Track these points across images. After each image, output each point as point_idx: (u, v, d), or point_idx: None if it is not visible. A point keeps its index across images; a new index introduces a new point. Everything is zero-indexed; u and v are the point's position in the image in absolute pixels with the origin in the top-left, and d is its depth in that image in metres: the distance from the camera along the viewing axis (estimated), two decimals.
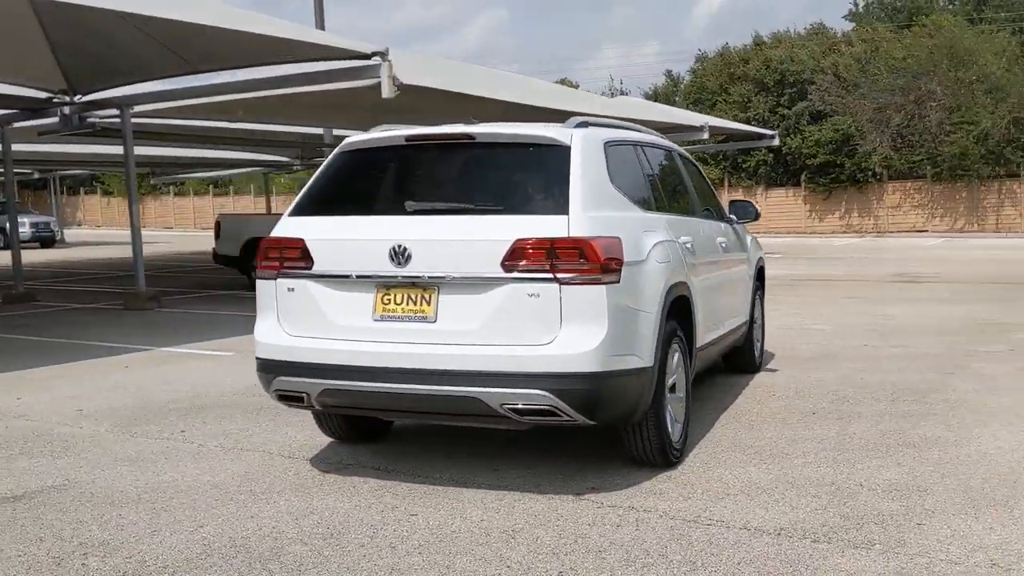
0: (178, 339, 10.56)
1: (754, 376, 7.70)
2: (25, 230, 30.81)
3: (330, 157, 5.26)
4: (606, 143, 5.06)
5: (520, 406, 4.40)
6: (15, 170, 24.85)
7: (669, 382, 5.05)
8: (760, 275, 8.22)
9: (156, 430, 6.26)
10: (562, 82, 44.57)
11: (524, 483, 4.86)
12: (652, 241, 4.95)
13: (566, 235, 4.42)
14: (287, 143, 23.34)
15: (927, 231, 35.98)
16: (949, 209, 35.99)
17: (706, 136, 21.33)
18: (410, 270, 4.61)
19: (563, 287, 4.38)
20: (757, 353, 7.96)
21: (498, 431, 5.68)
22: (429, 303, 4.60)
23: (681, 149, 7.03)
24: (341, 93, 13.31)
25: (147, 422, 6.51)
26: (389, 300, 4.68)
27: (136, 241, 13.98)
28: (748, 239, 7.90)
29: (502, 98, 14.17)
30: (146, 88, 13.44)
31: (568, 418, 4.43)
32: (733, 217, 7.33)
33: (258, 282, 5.10)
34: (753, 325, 7.80)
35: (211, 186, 51.18)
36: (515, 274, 4.44)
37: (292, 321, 4.90)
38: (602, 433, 5.51)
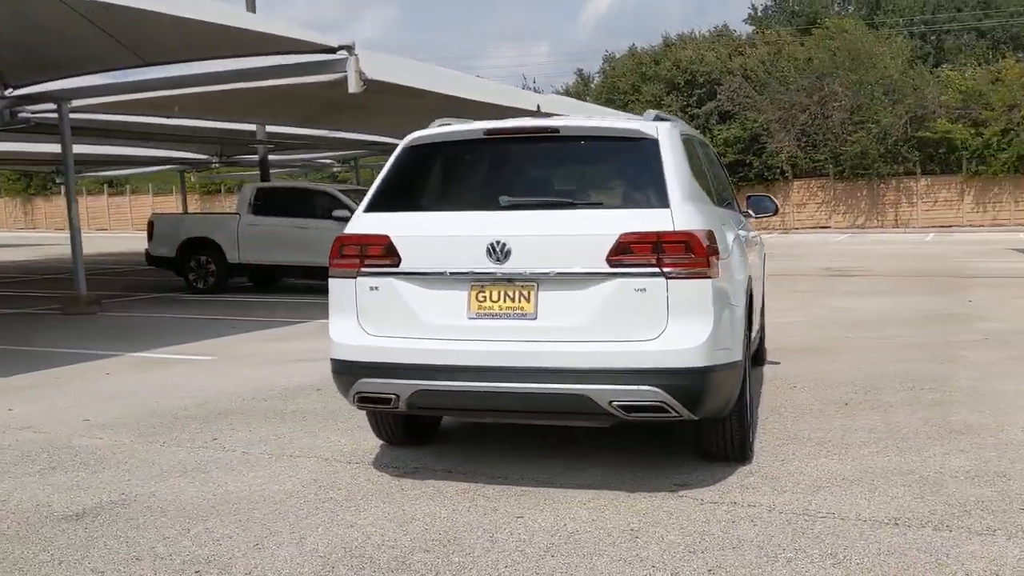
0: (142, 344, 10.08)
1: (761, 369, 7.82)
2: None
3: (398, 152, 5.08)
4: (682, 136, 5.05)
5: (629, 403, 4.34)
6: None
7: None
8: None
9: (185, 439, 5.95)
10: None
11: (607, 481, 4.80)
12: (731, 235, 4.97)
13: (672, 228, 4.39)
14: (207, 139, 22.58)
15: (830, 227, 37.31)
16: (851, 206, 37.41)
17: None
18: (509, 267, 4.49)
19: (670, 281, 4.34)
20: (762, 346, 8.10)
21: (538, 428, 5.63)
22: (528, 300, 4.49)
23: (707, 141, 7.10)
24: (297, 88, 13.00)
25: (168, 430, 6.19)
26: (484, 297, 4.55)
27: (76, 241, 13.30)
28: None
29: (464, 96, 14.04)
30: (88, 82, 12.76)
31: (675, 414, 4.39)
32: (750, 212, 7.43)
33: (332, 281, 4.89)
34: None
35: (105, 185, 49.23)
36: (621, 269, 4.38)
37: (375, 321, 4.72)
38: (652, 430, 5.52)
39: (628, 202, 4.64)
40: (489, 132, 4.98)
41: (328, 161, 29.84)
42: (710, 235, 4.49)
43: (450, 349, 4.54)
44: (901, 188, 36.72)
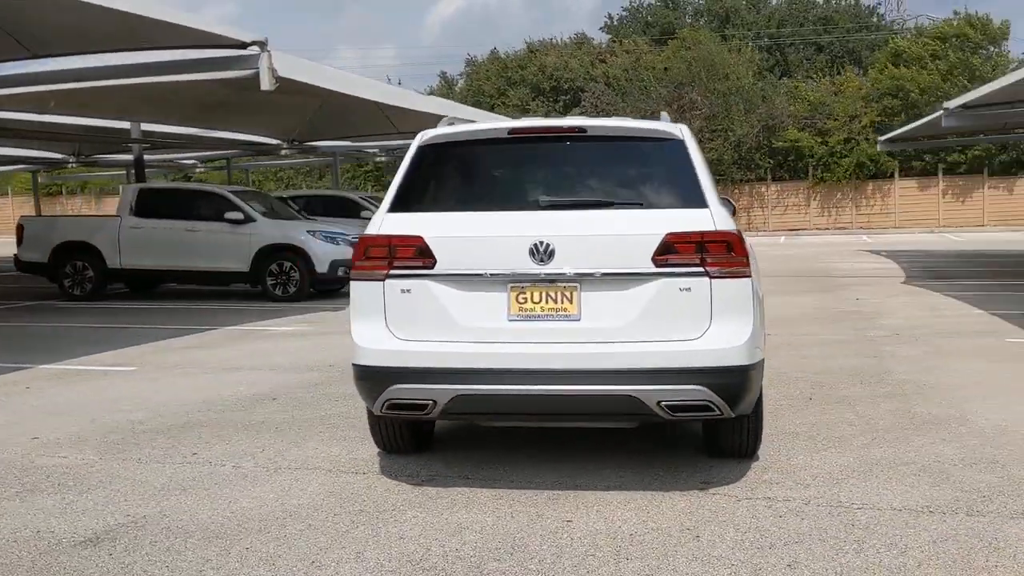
0: (48, 355, 9.39)
1: None
2: None
3: (414, 151, 4.93)
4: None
5: (677, 403, 4.38)
6: None
7: None
8: None
9: (159, 454, 5.60)
10: None
11: (631, 481, 4.82)
12: (745, 235, 5.08)
13: (713, 228, 4.45)
14: (63, 137, 21.19)
15: None
16: None
17: None
18: (553, 267, 4.44)
19: (713, 280, 4.40)
20: None
21: (532, 431, 5.61)
22: (571, 301, 4.46)
23: None
24: (179, 85, 12.41)
25: (135, 446, 5.80)
26: (525, 299, 4.49)
27: None
28: None
29: (370, 97, 13.77)
30: None
31: (717, 412, 4.45)
32: None
33: (356, 284, 4.71)
34: None
35: None
36: (666, 268, 4.40)
37: (406, 325, 4.58)
38: (648, 427, 5.58)
39: (666, 202, 4.67)
40: (514, 131, 4.92)
41: (190, 162, 28.66)
42: (743, 235, 4.59)
43: (490, 352, 4.45)
44: (754, 193, 38.53)
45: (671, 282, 4.40)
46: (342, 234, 15.40)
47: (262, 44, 10.92)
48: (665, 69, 38.49)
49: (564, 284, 4.47)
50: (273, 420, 6.43)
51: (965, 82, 33.89)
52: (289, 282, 14.79)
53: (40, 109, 15.31)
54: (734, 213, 7.77)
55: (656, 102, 37.86)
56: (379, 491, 4.79)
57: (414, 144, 5.04)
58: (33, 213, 26.12)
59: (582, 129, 4.88)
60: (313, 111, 19.78)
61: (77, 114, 16.95)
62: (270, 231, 15.01)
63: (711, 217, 4.51)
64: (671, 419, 4.52)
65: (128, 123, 17.94)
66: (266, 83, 11.02)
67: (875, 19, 46.13)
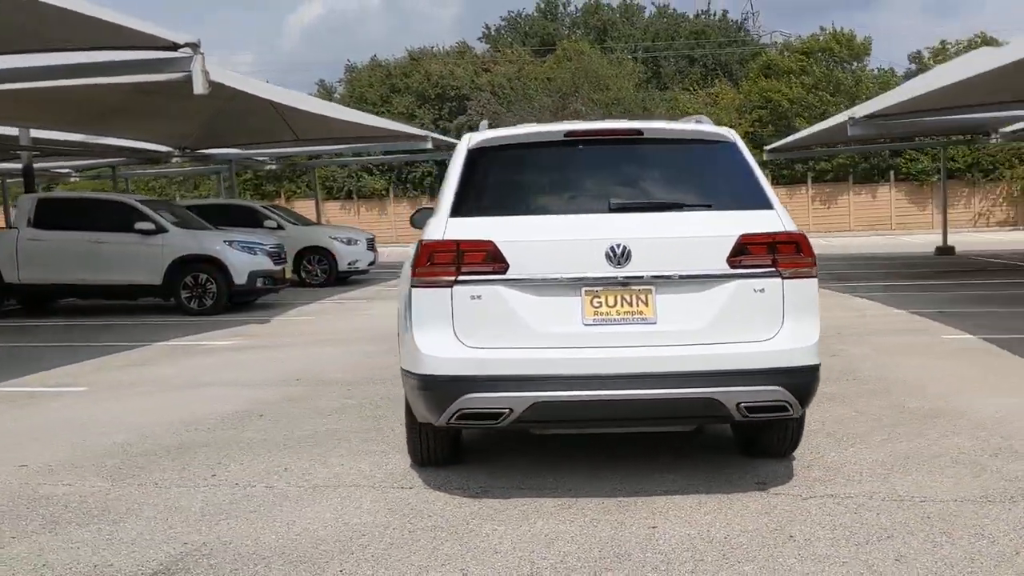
0: None
1: None
2: None
3: (467, 154, 4.81)
4: None
5: (755, 404, 4.41)
6: None
7: None
8: None
9: (174, 478, 5.27)
10: None
11: (689, 486, 4.82)
12: None
13: (784, 229, 4.52)
14: None
15: None
16: None
17: (430, 146, 21.58)
18: (629, 270, 4.41)
19: (785, 281, 4.47)
20: None
21: (553, 438, 5.57)
22: (647, 304, 4.43)
23: None
24: (72, 90, 11.76)
25: (141, 470, 5.44)
26: (600, 303, 4.43)
27: None
28: None
29: (302, 107, 13.38)
30: None
31: (790, 412, 4.51)
32: None
33: (419, 291, 4.54)
34: None
35: None
36: (741, 270, 4.44)
37: (475, 332, 4.45)
38: (670, 432, 5.61)
39: (733, 204, 4.68)
40: (570, 134, 4.87)
41: (66, 171, 27.16)
42: (807, 236, 4.68)
43: (567, 358, 4.38)
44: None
45: (746, 283, 4.45)
46: (260, 244, 14.94)
47: (195, 46, 10.46)
48: (549, 79, 38.99)
49: (639, 287, 4.45)
50: (273, 438, 6.14)
51: (829, 95, 35.70)
52: (205, 295, 14.22)
53: None
54: None
55: (541, 111, 38.34)
56: (439, 505, 4.64)
57: (462, 148, 4.92)
58: None
59: (639, 132, 4.87)
60: (210, 116, 19.07)
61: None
62: (184, 242, 14.40)
63: (779, 218, 4.58)
64: (745, 420, 4.56)
65: (16, 129, 16.84)
66: (200, 87, 10.56)
67: (742, 34, 48.03)
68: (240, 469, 5.42)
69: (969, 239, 29.43)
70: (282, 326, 12.69)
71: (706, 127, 5.00)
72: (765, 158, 29.35)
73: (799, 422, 5.07)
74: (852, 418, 6.23)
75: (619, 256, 4.40)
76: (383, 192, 40.12)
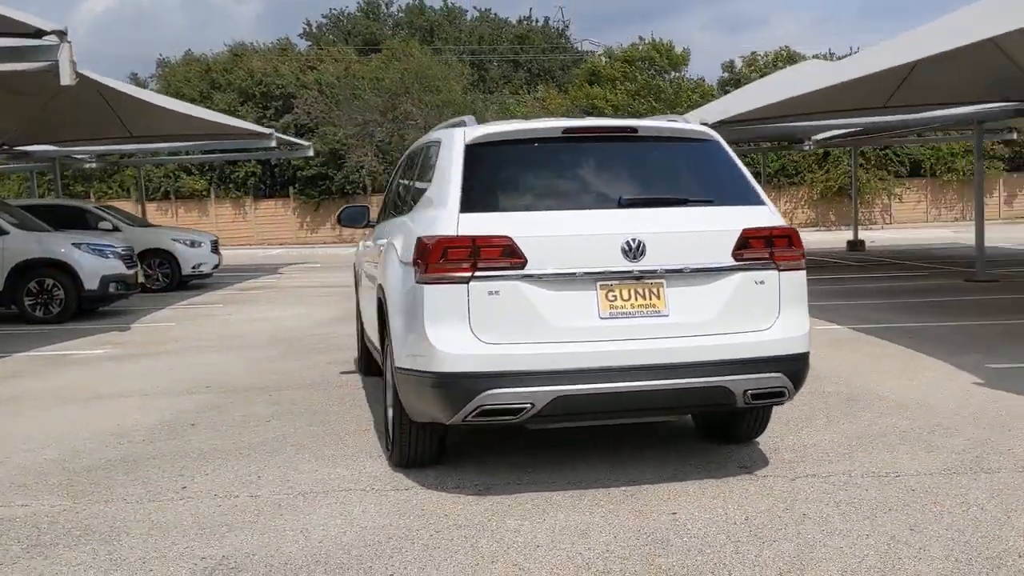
0: None
1: None
2: None
3: (465, 149, 4.75)
4: None
5: (759, 391, 4.62)
6: None
7: None
8: None
9: (144, 492, 4.94)
10: None
11: (684, 472, 4.97)
12: None
13: (779, 224, 4.76)
14: None
15: None
16: None
17: (274, 144, 20.89)
18: (644, 264, 4.51)
19: (781, 273, 4.71)
20: None
21: (525, 432, 5.63)
22: (659, 297, 4.55)
23: None
24: None
25: (103, 486, 5.08)
26: (615, 296, 4.51)
27: None
28: None
29: (145, 99, 12.63)
30: None
31: (786, 397, 4.76)
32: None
33: (432, 288, 4.45)
34: None
35: None
36: (744, 262, 4.64)
37: (493, 327, 4.42)
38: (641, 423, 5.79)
39: (729, 200, 4.86)
40: (568, 131, 4.92)
41: None
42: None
43: (586, 351, 4.44)
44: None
45: (748, 275, 4.66)
46: (111, 247, 14.04)
47: (62, 34, 9.75)
48: (378, 79, 38.63)
49: (652, 280, 4.56)
50: (223, 447, 5.86)
51: (652, 102, 37.32)
52: (52, 301, 13.26)
53: None
54: None
55: (371, 111, 37.95)
56: (449, 505, 4.59)
57: (457, 143, 4.86)
58: None
59: (633, 129, 4.99)
60: (36, 111, 17.74)
61: None
62: (26, 245, 13.36)
63: (772, 213, 4.82)
64: (749, 406, 4.77)
65: None
66: (67, 77, 9.85)
67: (563, 41, 49.38)
68: (208, 480, 5.14)
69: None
70: (146, 333, 12.00)
71: (692, 125, 5.19)
72: None
73: (769, 409, 5.35)
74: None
75: (635, 250, 4.51)
76: (204, 192, 38.51)
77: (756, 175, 36.75)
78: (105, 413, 6.96)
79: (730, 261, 4.64)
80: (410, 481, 4.99)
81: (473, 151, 4.80)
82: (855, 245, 24.02)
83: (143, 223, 20.27)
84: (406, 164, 6.59)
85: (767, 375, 4.62)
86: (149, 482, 5.14)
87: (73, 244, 13.59)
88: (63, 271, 13.28)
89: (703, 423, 5.70)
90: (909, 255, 21.80)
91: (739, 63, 40.64)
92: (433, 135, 5.68)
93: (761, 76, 39.87)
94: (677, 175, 5.07)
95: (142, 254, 18.36)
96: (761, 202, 4.87)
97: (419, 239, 4.64)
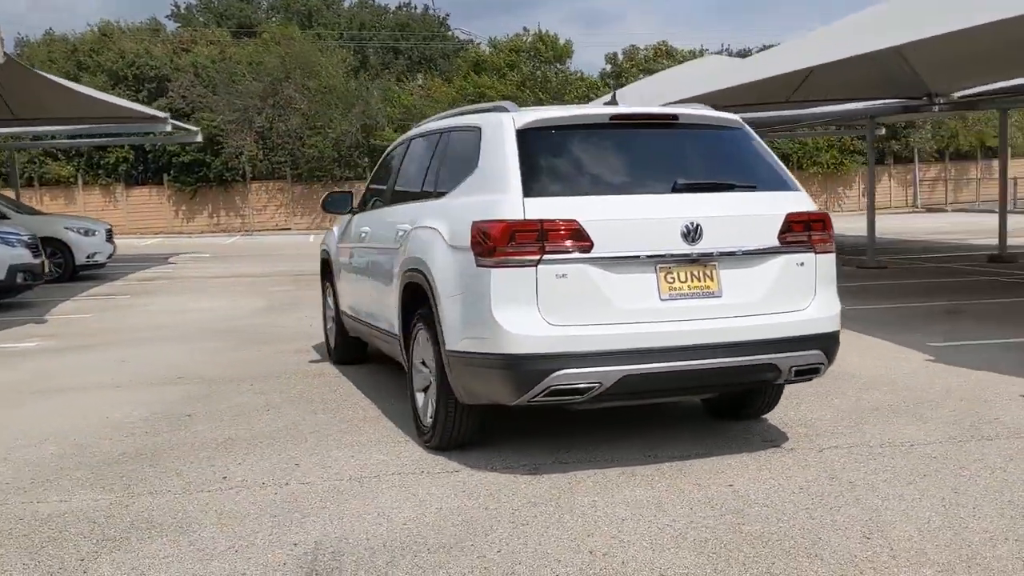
0: None
1: None
2: None
3: (517, 134, 4.81)
4: None
5: (802, 367, 4.89)
6: None
7: None
8: None
9: (183, 484, 4.81)
10: None
11: (716, 448, 5.20)
12: None
13: (815, 208, 5.04)
14: None
15: (290, 229, 38.36)
16: (309, 208, 38.85)
17: (168, 128, 20.08)
18: (701, 247, 4.69)
19: (818, 256, 4.99)
20: None
21: (549, 412, 5.76)
22: (712, 278, 4.74)
23: None
24: None
25: (138, 480, 4.92)
26: (673, 279, 4.68)
27: None
28: None
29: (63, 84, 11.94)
30: None
31: (820, 373, 5.04)
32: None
33: (499, 272, 4.50)
34: None
35: None
36: (787, 245, 4.89)
37: (561, 309, 4.52)
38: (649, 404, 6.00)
39: (767, 185, 5.08)
40: (615, 117, 5.05)
41: None
42: None
43: (649, 332, 4.59)
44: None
45: (791, 258, 4.91)
46: (15, 234, 13.29)
47: None
48: (259, 63, 37.62)
49: (707, 263, 4.75)
50: (240, 436, 5.75)
51: (539, 92, 37.78)
52: None
53: None
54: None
55: (251, 96, 36.94)
56: (511, 485, 4.66)
57: (507, 128, 4.90)
58: None
59: (674, 116, 5.17)
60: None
61: None
62: None
63: (807, 198, 5.09)
64: (791, 382, 5.04)
65: None
66: None
67: (444, 29, 49.24)
68: (245, 470, 5.05)
69: None
70: (67, 325, 11.45)
71: (722, 113, 5.40)
72: None
73: (783, 387, 5.65)
74: None
75: (693, 233, 4.69)
76: (71, 179, 36.62)
77: None
78: (84, 407, 6.67)
79: (776, 244, 4.88)
80: (456, 464, 5.04)
81: (526, 136, 4.87)
82: None
83: (31, 211, 19.22)
84: (415, 151, 6.53)
85: (808, 352, 4.89)
86: (182, 473, 5.00)
87: None
88: None
89: (713, 402, 5.94)
90: None
91: (620, 55, 41.55)
92: (462, 120, 5.70)
93: (641, 71, 41.00)
94: (717, 161, 5.26)
95: None
96: (796, 188, 5.14)
97: (478, 224, 4.69)
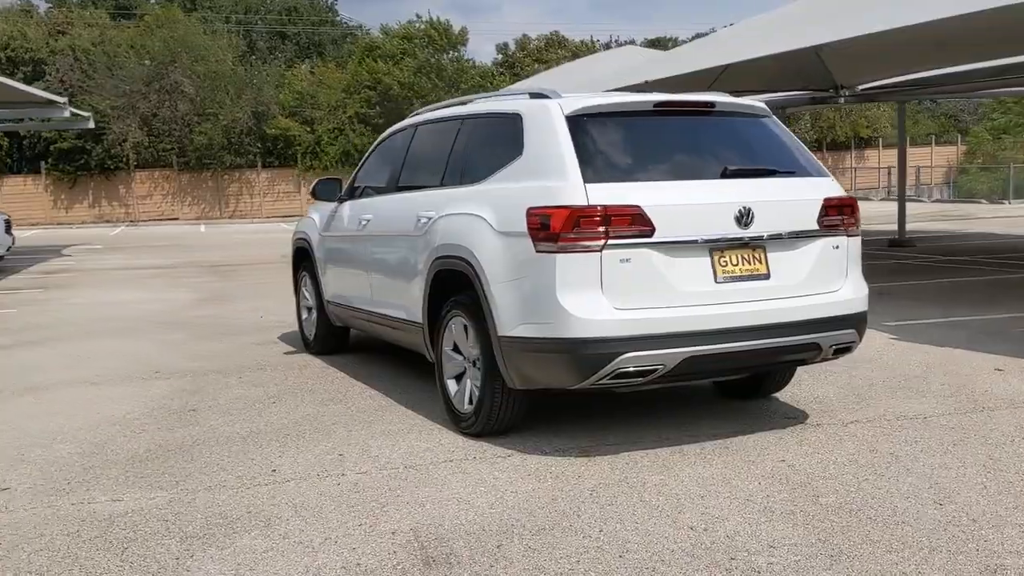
0: None
1: None
2: None
3: (563, 122, 4.84)
4: None
5: (839, 345, 5.11)
6: None
7: None
8: None
9: (233, 480, 4.67)
10: None
11: (747, 427, 5.35)
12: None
13: (847, 193, 5.25)
14: None
15: (178, 219, 37.08)
16: (197, 197, 37.67)
17: (67, 114, 19.07)
18: (753, 231, 4.83)
19: (849, 239, 5.21)
20: None
21: (576, 397, 5.82)
22: (761, 261, 4.89)
23: None
24: None
25: (171, 477, 4.74)
26: (726, 262, 4.80)
27: None
28: None
29: None
30: None
31: (851, 351, 5.28)
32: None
33: (564, 256, 4.53)
34: None
35: None
36: (826, 229, 5.09)
37: (624, 293, 4.59)
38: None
39: (802, 171, 5.25)
40: (659, 104, 5.13)
41: None
42: None
43: (708, 314, 4.70)
44: (243, 180, 38.21)
45: (829, 241, 5.12)
46: None
47: None
48: (142, 47, 36.14)
49: (757, 246, 4.90)
50: (263, 429, 5.61)
51: (435, 79, 37.62)
52: None
53: None
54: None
55: (135, 80, 35.49)
56: (573, 468, 4.70)
57: (555, 115, 4.92)
58: None
59: (711, 104, 5.29)
60: None
61: None
62: None
63: (834, 184, 5.31)
64: (830, 359, 5.26)
65: None
66: None
67: (332, 15, 48.39)
68: (292, 462, 4.94)
69: None
70: None
71: (750, 101, 5.56)
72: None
73: (795, 367, 5.88)
74: None
75: (745, 217, 4.83)
76: None
77: None
78: (72, 404, 6.37)
79: (816, 228, 5.08)
80: (505, 449, 5.05)
81: (576, 123, 4.91)
82: None
83: None
84: (425, 139, 6.44)
85: (845, 331, 5.12)
86: (226, 468, 4.85)
87: None
88: None
89: (727, 382, 6.12)
90: None
91: (512, 44, 41.76)
92: (490, 107, 5.69)
93: (535, 60, 41.31)
94: (754, 147, 5.40)
95: None
96: (825, 173, 5.35)
97: (535, 210, 4.70)
